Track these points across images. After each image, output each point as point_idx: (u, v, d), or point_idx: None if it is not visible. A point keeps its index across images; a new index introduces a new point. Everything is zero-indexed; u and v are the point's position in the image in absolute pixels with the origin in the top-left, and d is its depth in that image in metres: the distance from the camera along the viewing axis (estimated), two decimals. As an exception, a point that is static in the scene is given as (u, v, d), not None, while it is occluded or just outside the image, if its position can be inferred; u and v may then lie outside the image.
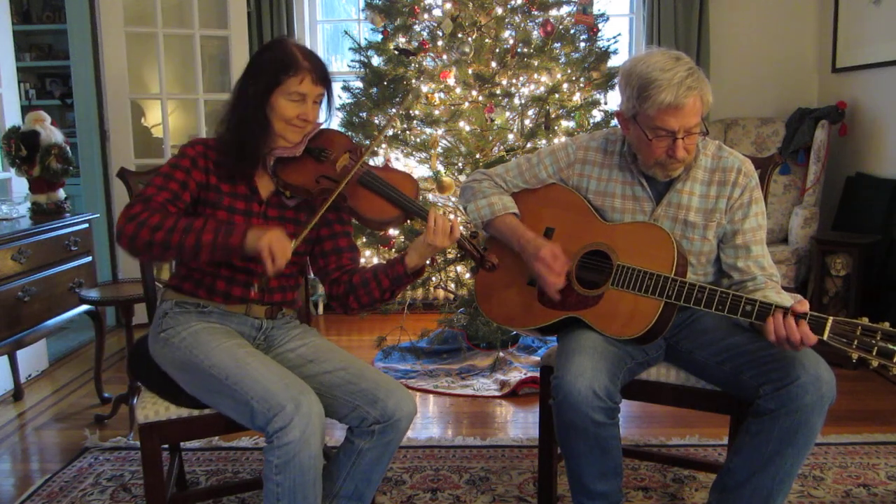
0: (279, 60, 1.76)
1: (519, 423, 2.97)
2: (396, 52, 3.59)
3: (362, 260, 2.51)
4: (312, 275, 2.06)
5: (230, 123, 1.80)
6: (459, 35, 3.51)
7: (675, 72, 1.73)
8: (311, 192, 1.81)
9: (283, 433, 1.57)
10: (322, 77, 1.79)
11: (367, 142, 1.92)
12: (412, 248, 1.81)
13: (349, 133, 3.66)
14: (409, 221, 2.04)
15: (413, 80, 3.60)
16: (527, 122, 3.60)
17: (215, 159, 1.82)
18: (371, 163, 1.95)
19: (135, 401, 2.81)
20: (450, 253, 3.55)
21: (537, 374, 3.12)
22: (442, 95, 3.63)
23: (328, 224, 1.90)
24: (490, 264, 1.81)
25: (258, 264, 1.72)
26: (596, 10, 3.86)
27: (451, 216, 1.82)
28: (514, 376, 3.32)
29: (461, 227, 1.82)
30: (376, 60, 3.71)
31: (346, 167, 1.83)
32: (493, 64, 3.58)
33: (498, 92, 3.52)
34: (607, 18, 3.78)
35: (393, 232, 3.59)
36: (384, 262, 1.89)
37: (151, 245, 1.66)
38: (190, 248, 1.66)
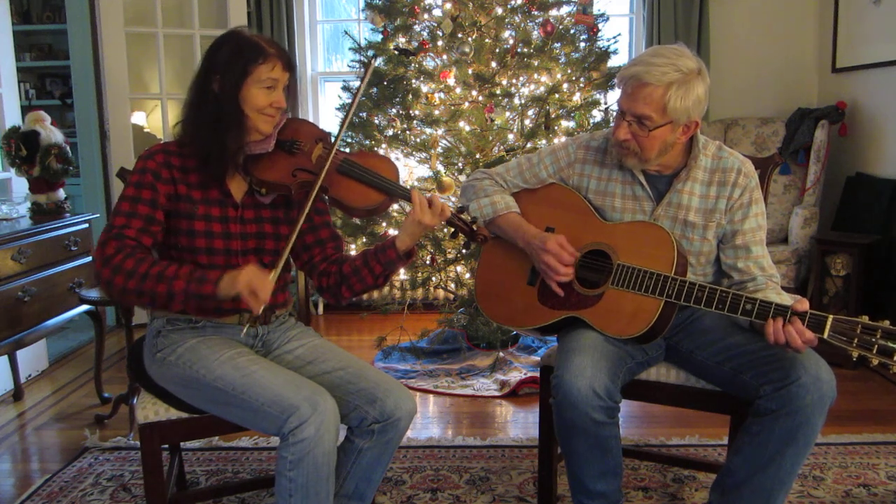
0: (244, 51, 1.69)
1: (519, 423, 2.97)
2: (396, 52, 3.59)
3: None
4: (295, 270, 2.04)
5: (199, 124, 1.73)
6: (459, 35, 3.51)
7: (654, 59, 1.76)
8: (290, 186, 1.76)
9: (298, 431, 1.57)
10: (289, 63, 1.75)
11: (334, 133, 1.86)
12: (402, 231, 1.79)
13: (349, 133, 3.66)
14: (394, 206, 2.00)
15: (413, 80, 3.60)
16: (527, 122, 3.60)
17: (180, 165, 1.75)
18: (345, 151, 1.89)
19: (135, 401, 2.81)
20: (447, 246, 3.55)
21: (537, 374, 3.12)
22: (442, 95, 3.63)
23: (306, 218, 1.83)
24: (482, 237, 1.79)
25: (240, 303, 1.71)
26: (596, 10, 3.87)
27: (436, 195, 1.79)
28: (514, 376, 3.32)
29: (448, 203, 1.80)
30: (376, 60, 3.70)
31: (322, 157, 1.78)
32: (493, 64, 3.58)
33: (498, 92, 3.52)
34: (607, 18, 3.78)
35: (393, 232, 3.59)
36: (372, 247, 1.86)
37: (125, 292, 1.63)
38: (162, 296, 1.62)
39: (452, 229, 1.81)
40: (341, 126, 1.85)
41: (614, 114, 1.93)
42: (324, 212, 1.92)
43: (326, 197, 1.81)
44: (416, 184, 3.72)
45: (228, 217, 1.79)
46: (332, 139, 1.82)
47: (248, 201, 1.82)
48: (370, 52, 3.71)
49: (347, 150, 3.64)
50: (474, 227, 1.79)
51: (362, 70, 3.72)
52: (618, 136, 1.82)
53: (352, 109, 1.89)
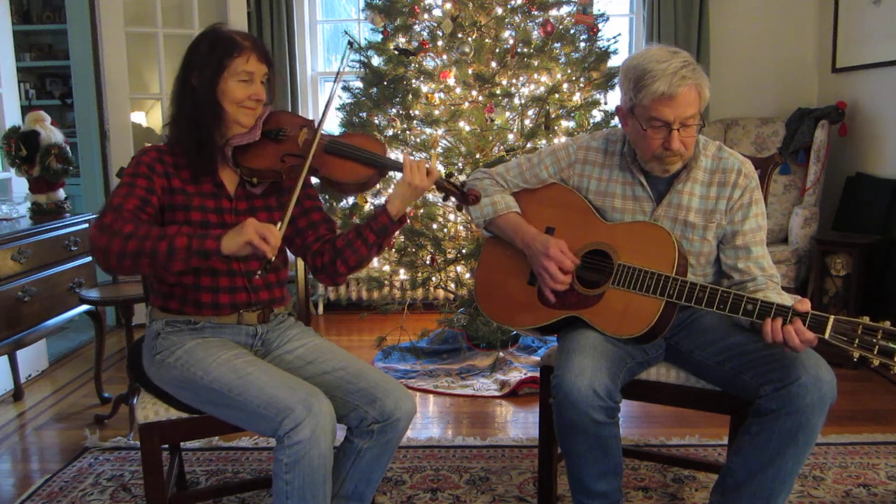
0: (220, 45, 1.74)
1: (519, 423, 2.97)
2: (396, 52, 3.59)
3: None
4: (295, 271, 2.05)
5: (181, 120, 1.77)
6: (459, 35, 3.51)
7: (670, 63, 1.75)
8: (280, 172, 1.79)
9: (293, 433, 1.57)
10: (264, 55, 1.78)
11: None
12: (393, 195, 1.81)
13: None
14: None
15: (413, 80, 3.60)
16: (527, 122, 3.60)
17: (172, 163, 1.78)
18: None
19: (135, 401, 2.81)
20: (447, 246, 3.55)
21: (537, 374, 3.12)
22: (442, 95, 3.63)
23: (297, 202, 1.84)
24: (473, 196, 1.81)
25: (244, 262, 1.74)
26: (596, 10, 3.86)
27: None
28: (514, 376, 3.32)
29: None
30: (376, 60, 3.71)
31: (308, 140, 1.81)
32: (493, 64, 3.58)
33: (498, 92, 3.52)
34: (607, 18, 3.78)
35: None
36: (364, 220, 1.87)
37: (123, 255, 1.58)
38: (163, 253, 1.57)
39: (443, 193, 1.84)
40: (326, 105, 1.88)
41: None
42: (314, 196, 1.95)
43: (316, 179, 1.83)
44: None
45: (223, 209, 1.81)
46: (316, 124, 1.86)
47: (241, 193, 1.84)
48: (369, 52, 3.71)
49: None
50: (464, 189, 1.81)
51: (362, 70, 3.72)
52: (674, 147, 1.79)
53: (337, 82, 1.92)
